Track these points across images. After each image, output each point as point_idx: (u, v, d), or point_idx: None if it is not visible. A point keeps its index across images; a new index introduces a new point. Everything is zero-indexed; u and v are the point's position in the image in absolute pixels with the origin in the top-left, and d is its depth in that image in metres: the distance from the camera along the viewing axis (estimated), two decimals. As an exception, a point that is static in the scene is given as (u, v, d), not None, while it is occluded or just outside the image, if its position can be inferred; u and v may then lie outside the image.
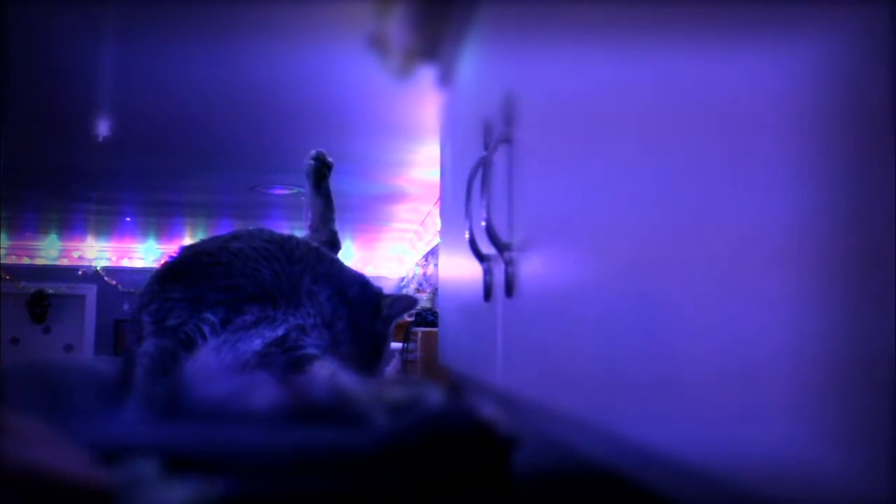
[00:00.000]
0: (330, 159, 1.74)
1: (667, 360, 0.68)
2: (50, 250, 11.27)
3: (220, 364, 1.30)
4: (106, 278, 11.28)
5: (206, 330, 1.31)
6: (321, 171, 1.72)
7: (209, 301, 1.32)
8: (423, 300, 8.65)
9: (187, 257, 1.42)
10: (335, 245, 1.65)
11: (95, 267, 11.39)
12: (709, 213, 0.62)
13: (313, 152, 1.74)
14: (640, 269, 0.76)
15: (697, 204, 0.64)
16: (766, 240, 0.54)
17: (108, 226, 10.01)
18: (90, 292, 11.43)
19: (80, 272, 11.40)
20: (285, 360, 1.30)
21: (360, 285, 1.50)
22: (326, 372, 1.27)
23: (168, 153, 5.86)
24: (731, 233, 0.59)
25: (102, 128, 4.88)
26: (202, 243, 1.45)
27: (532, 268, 1.18)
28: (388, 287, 11.16)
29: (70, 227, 10.22)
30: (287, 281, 1.39)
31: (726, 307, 0.59)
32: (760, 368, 0.55)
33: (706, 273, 0.62)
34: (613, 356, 0.82)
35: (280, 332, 1.33)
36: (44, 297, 11.40)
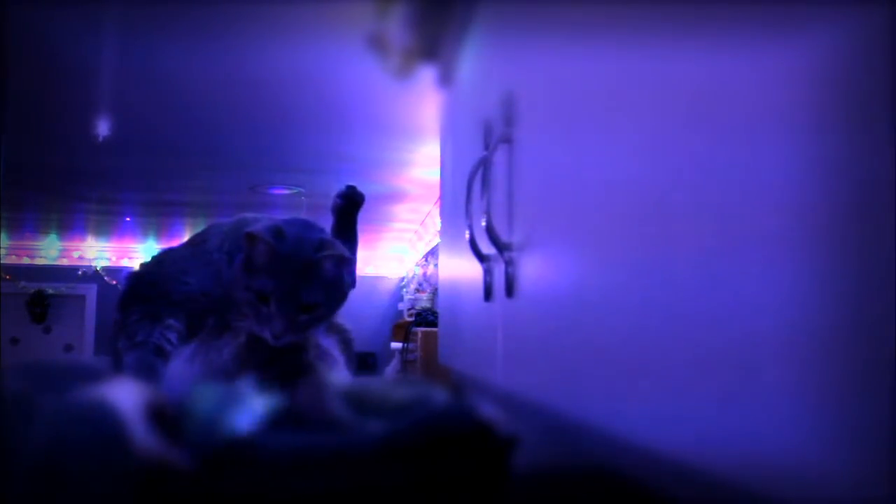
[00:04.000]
0: (361, 193, 1.70)
1: (666, 361, 0.69)
2: (50, 250, 11.26)
3: (193, 375, 1.38)
4: (106, 278, 11.27)
5: (173, 337, 1.48)
6: (349, 210, 1.69)
7: (166, 313, 1.49)
8: (423, 300, 8.65)
9: (132, 285, 1.58)
10: (351, 282, 1.66)
11: (95, 267, 11.38)
12: (708, 211, 0.62)
13: (344, 189, 1.70)
14: (639, 269, 0.76)
15: (697, 203, 0.64)
16: (765, 237, 0.54)
17: (108, 226, 10.00)
18: (90, 292, 11.42)
19: (80, 272, 11.39)
20: (275, 371, 1.33)
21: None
22: (313, 390, 1.27)
23: (168, 153, 5.85)
24: (731, 231, 0.59)
25: (102, 128, 4.88)
26: (143, 267, 1.62)
27: (532, 268, 1.18)
28: (388, 287, 11.13)
29: (70, 226, 10.21)
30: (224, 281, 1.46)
31: (726, 308, 0.59)
32: (762, 370, 0.55)
33: (705, 274, 0.62)
34: (613, 356, 0.82)
35: (242, 338, 1.41)
36: (44, 297, 11.39)
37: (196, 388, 1.16)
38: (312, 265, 1.44)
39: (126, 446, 0.93)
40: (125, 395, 1.02)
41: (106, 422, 0.94)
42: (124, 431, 0.94)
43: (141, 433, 0.96)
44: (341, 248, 1.48)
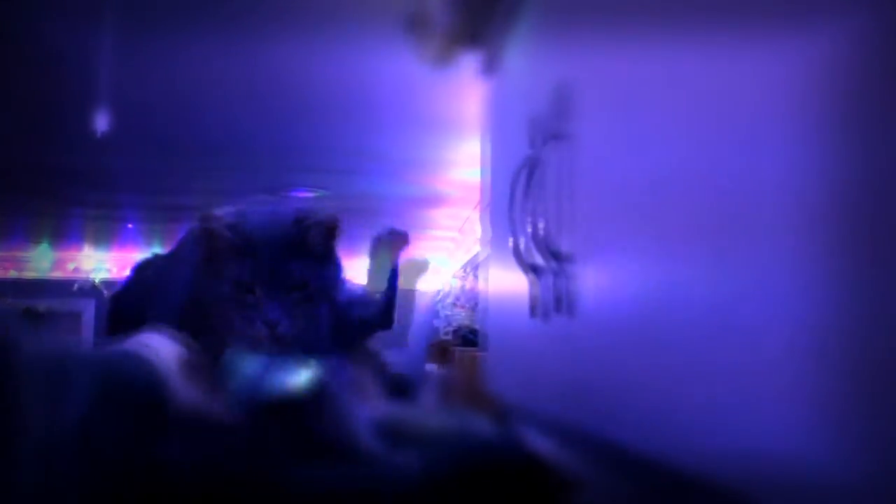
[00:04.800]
0: (405, 234, 1.71)
1: (764, 398, 0.67)
2: (41, 261, 11.31)
3: None
4: (105, 293, 11.29)
5: None
6: (390, 254, 1.71)
7: None
8: (462, 317, 8.65)
9: (113, 309, 1.65)
10: (385, 322, 1.67)
11: (93, 280, 11.43)
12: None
13: (385, 231, 1.72)
14: (726, 281, 0.74)
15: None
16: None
17: (107, 233, 10.04)
18: (87, 309, 11.45)
19: (75, 286, 11.44)
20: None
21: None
22: (337, 420, 1.28)
23: (176, 151, 5.87)
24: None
25: (101, 122, 4.89)
26: (123, 286, 1.67)
27: (591, 281, 1.17)
28: (422, 302, 11.13)
29: (64, 234, 10.25)
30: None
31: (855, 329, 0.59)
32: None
33: (806, 280, 0.62)
34: (692, 385, 0.81)
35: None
36: (34, 314, 11.43)
37: (234, 359, 1.24)
38: (294, 238, 1.42)
39: (164, 399, 1.02)
40: (162, 347, 1.13)
41: (145, 375, 1.03)
42: (163, 384, 1.03)
43: (179, 385, 1.06)
44: (326, 213, 1.46)
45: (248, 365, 1.22)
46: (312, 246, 1.44)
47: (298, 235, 1.42)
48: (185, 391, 1.06)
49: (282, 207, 1.46)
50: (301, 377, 1.22)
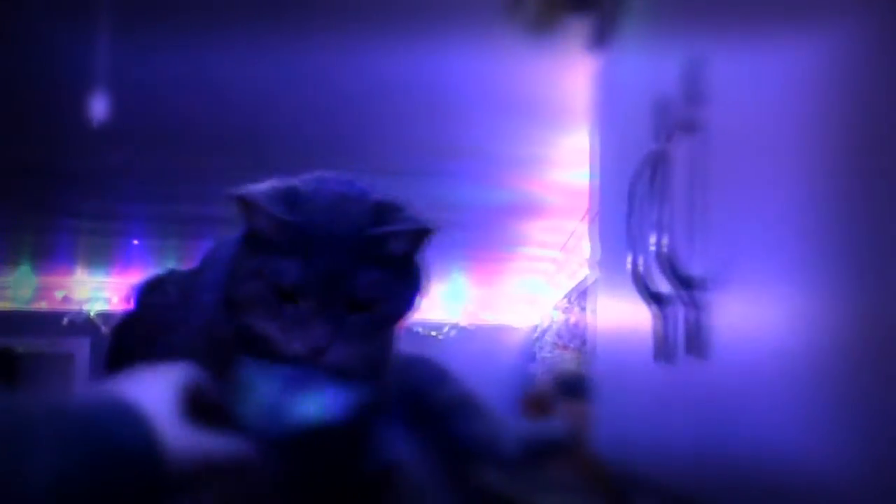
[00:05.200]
0: None
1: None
2: (20, 289, 11.37)
3: None
4: (103, 329, 11.33)
5: None
6: None
7: None
8: (567, 360, 8.62)
9: (116, 342, 1.59)
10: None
11: (88, 312, 11.48)
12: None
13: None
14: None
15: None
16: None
17: (106, 252, 10.08)
18: (81, 349, 11.46)
19: (65, 320, 11.49)
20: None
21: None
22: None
23: (196, 148, 5.88)
24: None
25: (98, 110, 4.93)
26: (130, 313, 1.61)
27: (733, 313, 1.17)
28: (514, 341, 11.11)
29: (51, 254, 10.30)
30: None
31: None
32: None
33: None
34: (861, 445, 0.81)
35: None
36: (12, 357, 11.51)
37: (249, 370, 1.21)
38: (371, 238, 1.31)
39: (156, 451, 1.01)
40: (152, 387, 1.11)
41: (128, 424, 1.01)
42: (152, 432, 1.01)
43: (175, 429, 1.05)
44: (417, 217, 1.38)
45: (265, 387, 1.21)
46: (393, 253, 1.33)
47: (378, 235, 1.31)
48: (187, 439, 1.06)
49: (354, 191, 1.33)
50: (331, 398, 1.22)
